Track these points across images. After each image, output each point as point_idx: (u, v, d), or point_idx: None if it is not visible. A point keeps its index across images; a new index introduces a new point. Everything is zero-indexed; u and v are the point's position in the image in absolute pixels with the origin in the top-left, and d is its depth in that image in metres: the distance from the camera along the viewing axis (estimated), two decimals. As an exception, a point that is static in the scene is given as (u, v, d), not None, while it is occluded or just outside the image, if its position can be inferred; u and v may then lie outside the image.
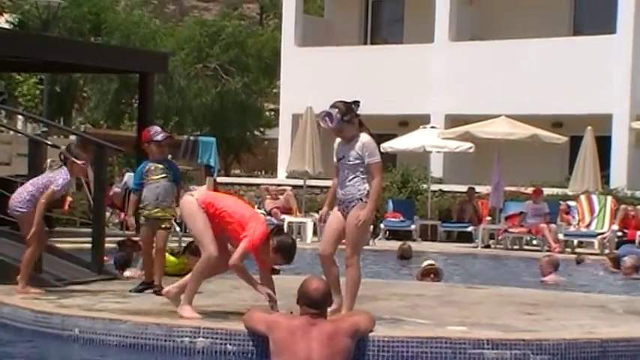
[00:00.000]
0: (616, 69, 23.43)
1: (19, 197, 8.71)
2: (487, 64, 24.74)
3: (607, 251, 18.17)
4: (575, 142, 21.60)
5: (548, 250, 17.86)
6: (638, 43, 23.52)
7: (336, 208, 7.64)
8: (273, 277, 7.77)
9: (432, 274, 11.62)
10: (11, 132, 18.00)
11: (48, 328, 7.44)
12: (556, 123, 23.90)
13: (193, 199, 7.57)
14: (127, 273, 10.41)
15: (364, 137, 7.50)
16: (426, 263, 12.11)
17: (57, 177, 8.71)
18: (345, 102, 7.54)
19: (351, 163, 7.45)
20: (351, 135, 7.50)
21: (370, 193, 7.47)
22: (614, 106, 23.25)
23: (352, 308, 7.46)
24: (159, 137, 8.89)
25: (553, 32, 24.49)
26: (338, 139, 7.63)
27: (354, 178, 7.46)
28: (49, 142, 12.36)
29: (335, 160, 7.62)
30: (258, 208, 21.67)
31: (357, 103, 7.55)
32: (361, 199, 7.45)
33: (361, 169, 7.45)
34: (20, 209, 8.65)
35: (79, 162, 8.81)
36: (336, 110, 7.43)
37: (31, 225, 8.58)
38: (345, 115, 7.43)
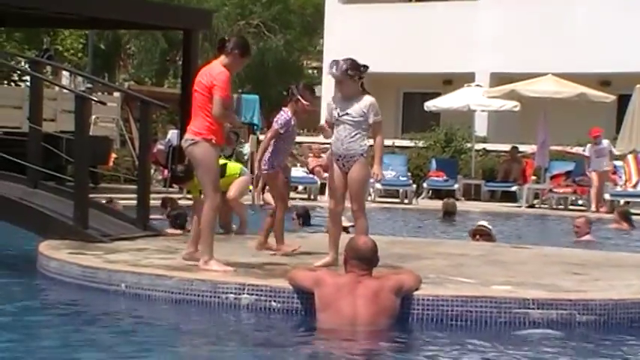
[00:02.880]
0: (666, 26, 23.02)
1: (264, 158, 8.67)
2: (534, 21, 24.42)
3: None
4: (623, 101, 21.33)
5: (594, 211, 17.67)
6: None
7: (334, 164, 7.95)
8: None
9: (479, 234, 11.26)
10: (57, 88, 18.13)
11: (94, 282, 7.53)
12: (604, 81, 23.57)
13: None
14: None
15: (369, 97, 7.87)
16: (479, 223, 11.77)
17: (278, 115, 8.61)
18: (356, 60, 7.88)
19: (355, 119, 7.82)
20: (350, 92, 7.85)
21: (376, 149, 7.93)
22: (663, 63, 22.85)
23: None
24: None
25: (602, -11, 24.11)
26: (333, 97, 8.02)
27: (357, 134, 7.81)
28: (95, 99, 12.41)
29: (334, 115, 7.89)
30: (301, 166, 21.70)
31: (365, 66, 7.85)
32: (362, 155, 7.83)
33: (363, 127, 7.83)
34: (264, 170, 8.64)
35: (304, 101, 8.58)
36: (344, 62, 7.76)
37: (273, 184, 8.61)
38: (350, 69, 7.78)
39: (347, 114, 7.82)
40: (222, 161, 9.13)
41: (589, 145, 19.14)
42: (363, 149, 7.83)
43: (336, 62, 7.83)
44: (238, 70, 8.14)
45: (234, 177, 10.45)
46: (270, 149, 8.60)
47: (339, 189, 7.96)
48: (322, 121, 8.47)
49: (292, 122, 8.59)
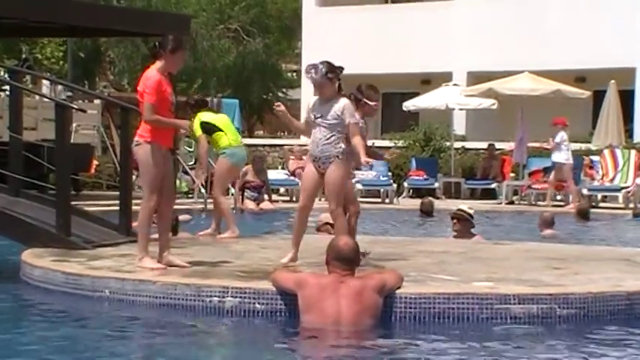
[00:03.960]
0: (639, 23, 23.13)
1: None
2: (509, 19, 24.52)
3: (631, 205, 18.08)
4: (599, 97, 21.45)
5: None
6: (662, -4, 23.22)
7: (310, 164, 8.01)
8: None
9: (456, 219, 10.91)
10: (37, 97, 18.04)
11: (78, 289, 7.50)
12: (579, 78, 23.68)
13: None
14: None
15: (344, 100, 7.90)
16: (459, 207, 11.39)
17: None
18: (332, 63, 7.91)
19: (329, 122, 7.85)
20: (329, 94, 7.87)
21: (355, 148, 7.82)
22: (637, 59, 23.01)
23: None
24: None
25: (576, -13, 24.23)
26: (312, 99, 8.00)
27: (332, 136, 7.86)
28: (75, 107, 12.36)
29: (310, 117, 7.94)
30: (282, 168, 21.71)
31: (341, 68, 7.87)
32: (338, 157, 7.85)
33: (339, 129, 7.85)
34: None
35: (371, 103, 8.37)
36: (322, 65, 7.78)
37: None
38: (329, 72, 7.80)
39: (322, 117, 7.85)
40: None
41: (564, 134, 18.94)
42: (338, 151, 7.85)
43: (314, 66, 7.84)
44: (181, 66, 8.06)
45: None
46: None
47: (311, 189, 8.03)
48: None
49: (361, 125, 8.26)
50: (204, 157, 11.16)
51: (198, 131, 10.56)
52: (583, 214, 15.35)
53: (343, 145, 7.87)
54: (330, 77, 7.80)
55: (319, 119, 7.88)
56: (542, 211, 14.62)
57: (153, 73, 7.75)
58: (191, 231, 11.12)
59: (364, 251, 7.49)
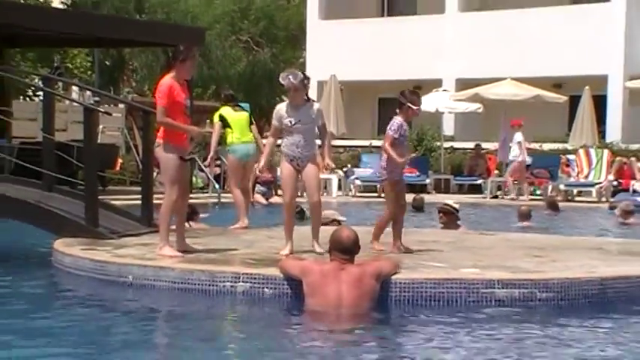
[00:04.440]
0: (611, 34, 23.11)
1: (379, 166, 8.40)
2: (493, 31, 24.47)
3: (604, 199, 18.08)
4: (574, 101, 21.40)
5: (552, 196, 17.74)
6: (631, 10, 23.18)
7: (287, 163, 8.05)
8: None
9: (442, 213, 10.88)
10: (67, 101, 18.03)
11: (105, 275, 7.50)
12: (556, 84, 23.63)
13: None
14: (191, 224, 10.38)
15: (317, 104, 8.14)
16: (444, 202, 11.42)
17: (391, 123, 8.23)
18: (304, 72, 8.15)
19: (307, 126, 7.96)
20: (302, 99, 7.97)
21: (326, 145, 8.28)
22: (609, 67, 22.98)
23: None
24: None
25: (553, 1, 24.18)
26: (281, 107, 8.07)
27: (310, 138, 8.00)
28: (102, 110, 12.34)
29: (287, 122, 7.97)
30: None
31: (307, 78, 8.06)
32: (314, 155, 8.06)
33: (312, 131, 8.02)
34: (379, 177, 8.39)
35: (414, 107, 8.26)
36: (299, 73, 8.01)
37: (387, 192, 8.28)
38: (305, 79, 7.96)
39: (300, 121, 7.92)
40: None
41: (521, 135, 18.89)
42: (314, 150, 8.08)
43: (292, 74, 7.95)
44: (192, 73, 8.14)
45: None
46: (384, 156, 8.25)
47: (294, 185, 8.09)
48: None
49: (404, 127, 8.27)
50: (214, 140, 11.01)
51: (216, 119, 10.75)
52: (553, 205, 15.42)
53: (317, 144, 8.11)
54: (305, 84, 7.94)
55: (297, 124, 7.92)
56: (520, 205, 14.64)
57: (165, 80, 7.81)
58: (208, 223, 11.12)
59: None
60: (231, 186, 10.77)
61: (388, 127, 8.25)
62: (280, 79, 8.00)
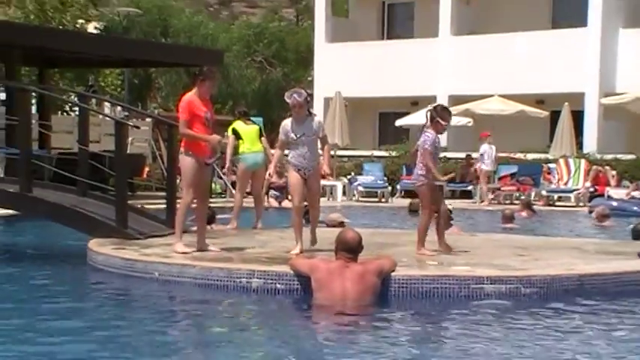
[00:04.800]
0: (587, 55, 23.08)
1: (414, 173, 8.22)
2: (482, 53, 24.46)
3: (582, 204, 18.02)
4: (555, 116, 21.34)
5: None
6: (606, 34, 23.14)
7: (295, 172, 8.09)
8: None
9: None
10: (100, 116, 18.07)
11: (133, 271, 7.51)
12: (539, 100, 23.60)
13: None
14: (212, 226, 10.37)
15: (318, 117, 8.16)
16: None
17: (424, 137, 8.04)
18: (306, 90, 8.25)
19: (311, 138, 8.02)
20: (304, 114, 8.00)
21: (326, 154, 8.31)
22: (586, 85, 22.94)
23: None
24: None
25: (536, 26, 24.16)
26: (286, 123, 8.07)
27: (314, 148, 8.07)
28: (131, 124, 12.36)
29: (293, 136, 7.99)
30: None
31: (310, 95, 8.16)
32: (318, 163, 8.12)
33: (316, 143, 8.09)
34: (414, 183, 8.19)
35: (442, 122, 8.03)
36: (302, 91, 8.06)
37: (424, 196, 8.08)
38: (308, 97, 8.06)
39: (305, 134, 7.96)
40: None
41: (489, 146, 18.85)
42: (318, 160, 8.14)
43: (297, 92, 7.99)
44: (212, 91, 8.07)
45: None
46: (420, 166, 8.09)
47: (301, 191, 8.10)
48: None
49: (437, 141, 8.15)
50: (228, 152, 11.07)
51: (230, 132, 10.83)
52: (528, 206, 15.48)
53: (320, 153, 8.21)
54: (307, 100, 8.03)
55: (303, 137, 7.96)
56: (504, 209, 14.65)
57: (187, 96, 7.92)
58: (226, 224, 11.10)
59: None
60: (236, 189, 10.85)
61: (422, 142, 8.03)
62: (285, 97, 8.06)
